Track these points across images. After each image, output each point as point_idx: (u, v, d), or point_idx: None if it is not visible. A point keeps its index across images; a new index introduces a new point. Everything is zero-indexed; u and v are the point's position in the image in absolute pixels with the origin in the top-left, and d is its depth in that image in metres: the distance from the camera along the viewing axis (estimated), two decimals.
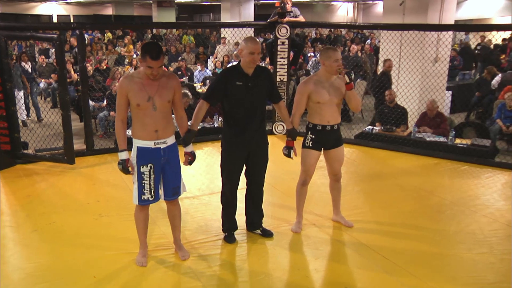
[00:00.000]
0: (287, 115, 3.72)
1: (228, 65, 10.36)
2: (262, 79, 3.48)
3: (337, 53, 3.60)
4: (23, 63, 9.11)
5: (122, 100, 3.07)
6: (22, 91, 8.18)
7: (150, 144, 3.10)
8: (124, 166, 3.11)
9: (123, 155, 3.11)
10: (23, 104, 8.28)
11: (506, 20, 16.80)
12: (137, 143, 3.13)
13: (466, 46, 13.23)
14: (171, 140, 3.19)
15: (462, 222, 4.17)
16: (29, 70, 9.33)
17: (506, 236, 3.88)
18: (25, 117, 8.36)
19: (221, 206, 3.74)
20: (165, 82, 3.11)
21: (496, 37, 11.82)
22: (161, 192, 3.26)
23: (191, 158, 3.33)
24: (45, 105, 10.53)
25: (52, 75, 10.64)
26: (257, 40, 3.50)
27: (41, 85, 10.94)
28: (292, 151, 3.71)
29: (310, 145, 3.74)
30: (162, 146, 3.13)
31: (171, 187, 3.25)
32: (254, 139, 3.53)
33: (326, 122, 3.68)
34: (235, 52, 11.36)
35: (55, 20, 26.37)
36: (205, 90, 3.72)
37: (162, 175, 3.21)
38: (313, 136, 3.72)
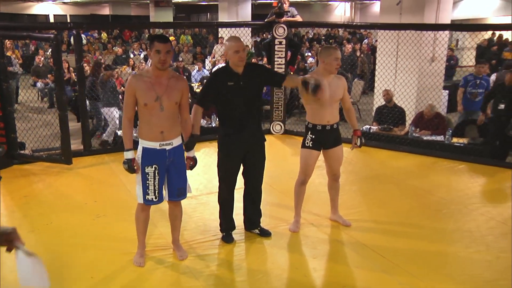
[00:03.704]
0: (297, 77, 3.63)
1: (214, 68, 10.40)
2: (255, 77, 3.47)
3: (337, 51, 3.61)
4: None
5: (130, 99, 3.06)
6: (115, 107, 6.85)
7: (155, 145, 3.09)
8: (130, 166, 3.10)
9: (129, 155, 3.10)
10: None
11: (502, 20, 16.89)
12: (142, 143, 3.13)
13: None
14: (176, 141, 3.18)
15: (459, 221, 4.18)
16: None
17: (503, 234, 3.89)
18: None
19: (218, 206, 3.74)
20: (174, 83, 3.10)
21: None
22: (165, 193, 3.25)
23: (192, 163, 3.33)
24: (42, 105, 10.54)
25: (49, 75, 10.63)
26: (238, 37, 3.50)
27: (38, 85, 10.94)
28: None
29: (310, 145, 3.73)
30: (168, 147, 3.12)
31: (176, 187, 3.24)
32: (251, 138, 3.52)
33: (326, 122, 3.68)
34: (221, 55, 11.26)
35: (51, 20, 26.31)
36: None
37: (167, 176, 3.21)
38: (313, 136, 3.71)
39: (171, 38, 16.00)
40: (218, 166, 3.60)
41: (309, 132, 3.74)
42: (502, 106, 6.01)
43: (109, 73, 7.01)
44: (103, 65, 7.80)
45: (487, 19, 18.30)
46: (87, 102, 7.20)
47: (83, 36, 15.34)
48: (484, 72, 7.16)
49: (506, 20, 16.43)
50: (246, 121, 3.47)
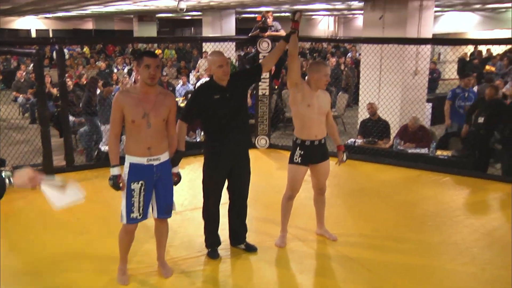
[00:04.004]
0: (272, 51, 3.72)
1: (199, 82, 10.44)
2: (239, 86, 3.49)
3: (327, 68, 3.63)
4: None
5: (117, 115, 3.02)
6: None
7: (143, 160, 3.05)
8: (115, 182, 3.03)
9: (115, 171, 3.04)
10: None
11: (481, 35, 17.37)
12: (130, 159, 3.07)
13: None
14: (164, 157, 3.14)
15: (444, 233, 4.20)
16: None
17: (487, 245, 3.93)
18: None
19: (203, 222, 3.69)
20: (162, 100, 3.07)
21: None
22: (150, 210, 3.18)
23: (177, 179, 3.28)
24: (23, 120, 10.39)
25: (29, 90, 10.50)
26: (221, 51, 3.52)
27: (19, 100, 10.80)
28: None
29: (299, 161, 3.70)
30: (155, 163, 3.08)
31: (165, 203, 3.19)
32: (236, 148, 3.50)
33: (314, 137, 3.66)
34: (205, 69, 11.29)
35: (33, 34, 26.12)
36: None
37: (155, 192, 3.15)
38: (302, 152, 3.68)
39: (158, 51, 16.00)
40: (203, 180, 3.57)
41: (298, 148, 3.69)
42: (481, 119, 6.10)
43: (107, 89, 6.97)
44: (100, 81, 7.75)
45: (467, 33, 18.75)
46: (72, 117, 7.15)
47: (65, 50, 15.25)
48: (471, 85, 7.25)
49: (485, 34, 16.89)
50: (232, 132, 3.45)
